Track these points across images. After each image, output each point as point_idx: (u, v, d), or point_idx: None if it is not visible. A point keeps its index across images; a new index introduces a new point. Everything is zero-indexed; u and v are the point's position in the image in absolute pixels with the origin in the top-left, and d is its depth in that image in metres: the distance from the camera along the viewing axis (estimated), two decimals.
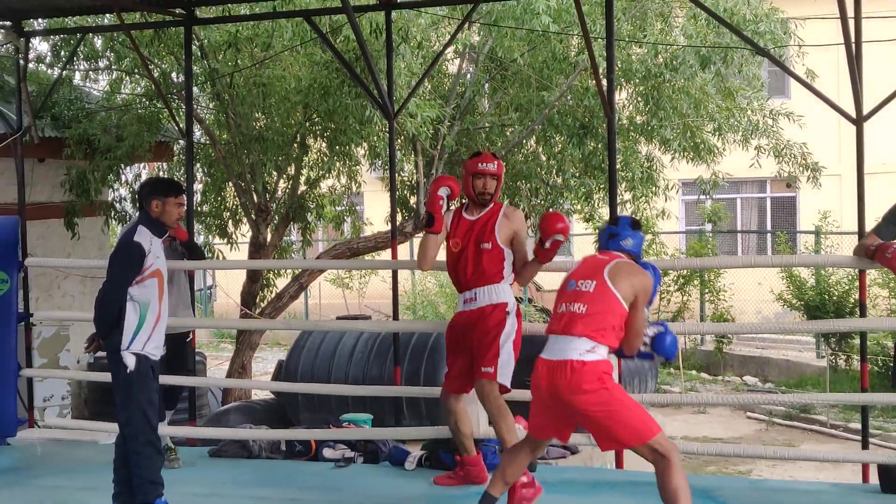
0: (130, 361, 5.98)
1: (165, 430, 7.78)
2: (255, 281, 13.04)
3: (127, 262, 6.06)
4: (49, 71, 13.05)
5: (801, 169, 12.89)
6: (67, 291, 13.00)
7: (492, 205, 6.60)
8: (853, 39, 7.78)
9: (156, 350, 6.12)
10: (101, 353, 6.53)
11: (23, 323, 8.82)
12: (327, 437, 7.96)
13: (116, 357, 6.02)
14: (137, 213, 6.46)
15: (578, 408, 5.29)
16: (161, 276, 6.17)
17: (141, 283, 6.05)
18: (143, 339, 6.04)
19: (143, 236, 6.10)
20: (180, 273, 7.95)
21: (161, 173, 13.84)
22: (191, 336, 8.18)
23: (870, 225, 6.99)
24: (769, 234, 22.47)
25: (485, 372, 6.40)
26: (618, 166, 11.22)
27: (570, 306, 5.47)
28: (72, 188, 12.19)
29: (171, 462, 7.65)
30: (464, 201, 6.74)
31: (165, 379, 7.21)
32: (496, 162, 6.63)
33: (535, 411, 5.59)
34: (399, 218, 12.12)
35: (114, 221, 13.25)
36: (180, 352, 7.92)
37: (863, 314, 8.27)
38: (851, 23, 7.75)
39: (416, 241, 7.01)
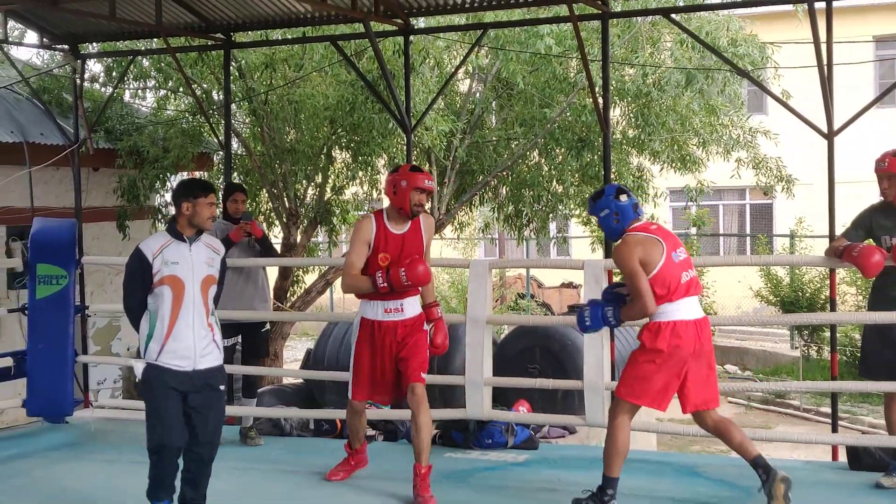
0: (138, 369, 5.39)
1: (243, 410, 7.87)
2: (286, 277, 13.08)
3: (129, 271, 5.45)
4: (102, 89, 13.10)
5: (776, 180, 12.89)
6: (118, 286, 12.97)
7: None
8: (825, 62, 7.80)
9: (178, 361, 5.32)
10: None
11: (79, 314, 8.86)
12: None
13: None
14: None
15: (711, 357, 5.63)
16: (177, 282, 5.33)
17: (152, 292, 5.36)
18: (156, 349, 5.32)
19: (152, 243, 5.41)
20: (257, 269, 7.96)
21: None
22: (266, 326, 8.17)
23: (839, 230, 7.01)
24: (748, 237, 22.44)
25: (422, 377, 6.08)
26: (612, 176, 11.22)
27: (689, 272, 5.59)
28: (123, 194, 12.24)
29: (251, 440, 7.72)
30: (382, 211, 6.07)
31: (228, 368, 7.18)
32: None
33: (665, 378, 5.49)
34: None
35: (161, 224, 13.28)
36: (253, 341, 7.94)
37: (833, 309, 8.30)
38: (824, 47, 7.77)
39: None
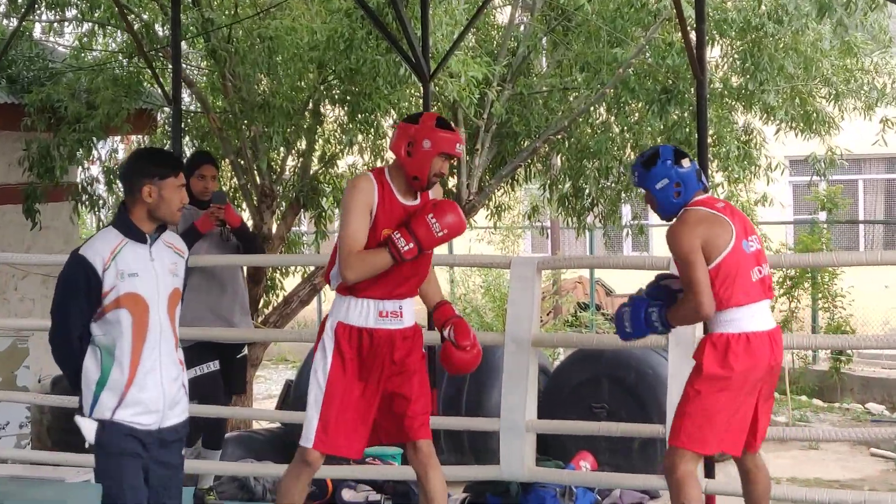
0: (89, 431, 5.10)
1: (202, 466, 7.87)
2: (257, 282, 13.08)
3: (66, 288, 5.12)
4: (4, 22, 13.15)
5: None
6: (26, 294, 13.10)
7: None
8: None
9: (143, 418, 5.12)
10: None
11: None
12: (347, 476, 7.98)
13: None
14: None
15: (776, 381, 5.95)
16: (139, 303, 5.10)
17: (102, 318, 5.08)
18: (112, 402, 5.06)
19: (100, 247, 5.11)
20: (234, 270, 7.96)
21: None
22: (244, 351, 8.20)
23: None
24: None
25: (429, 430, 5.92)
26: (709, 140, 11.18)
27: (762, 268, 5.73)
28: (32, 167, 12.25)
29: None
30: (383, 170, 5.84)
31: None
32: None
33: (736, 410, 5.69)
34: None
35: (84, 208, 13.33)
36: (228, 371, 7.96)
37: None
38: None
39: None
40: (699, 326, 6.41)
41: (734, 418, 5.63)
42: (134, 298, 5.07)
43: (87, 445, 5.12)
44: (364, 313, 5.72)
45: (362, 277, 5.60)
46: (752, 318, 5.60)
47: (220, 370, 7.85)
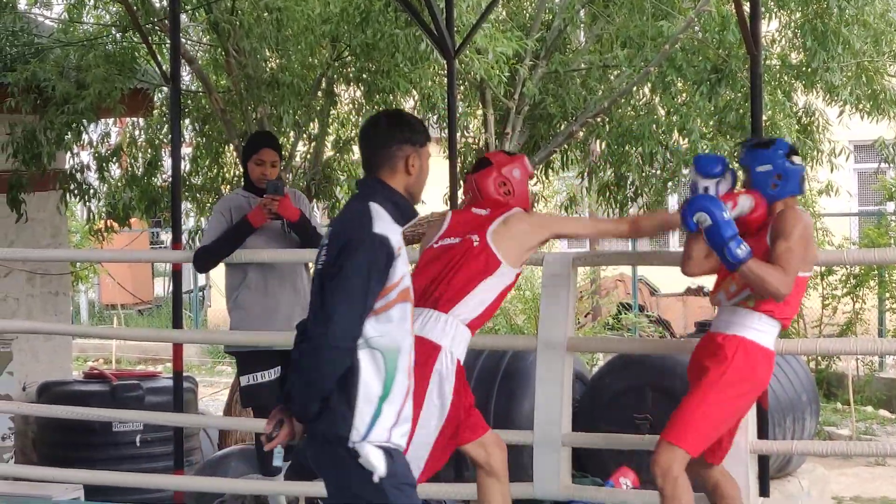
0: (379, 463, 4.64)
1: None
2: None
3: (369, 273, 4.68)
4: None
5: None
6: (10, 293, 13.13)
7: None
8: None
9: (405, 437, 4.85)
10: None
11: None
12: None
13: (341, 455, 4.70)
14: (366, 186, 4.96)
15: None
16: (410, 296, 4.91)
17: (384, 314, 4.75)
18: (391, 420, 4.73)
19: (388, 227, 4.79)
20: (298, 267, 7.94)
21: (137, 131, 13.94)
22: None
23: None
24: None
25: None
26: (765, 123, 11.16)
27: None
28: (17, 152, 12.29)
29: None
30: None
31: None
32: None
33: (738, 420, 6.23)
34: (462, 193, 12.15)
35: (73, 198, 13.36)
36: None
37: None
38: None
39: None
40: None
41: (734, 428, 6.08)
42: (410, 292, 4.90)
43: (374, 480, 4.64)
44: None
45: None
46: (777, 337, 6.02)
47: (280, 378, 7.69)
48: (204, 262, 7.89)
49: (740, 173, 6.33)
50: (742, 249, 5.82)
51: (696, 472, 6.16)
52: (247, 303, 7.68)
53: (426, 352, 5.68)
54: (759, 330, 5.92)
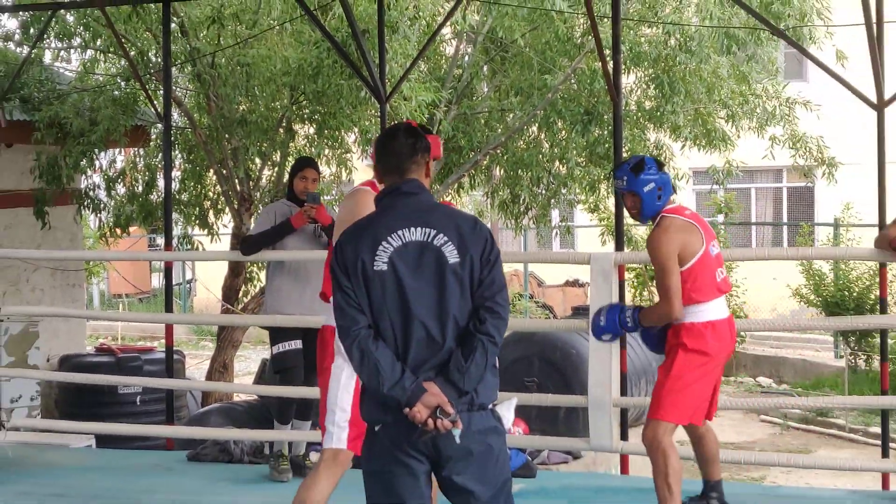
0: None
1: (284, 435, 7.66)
2: (237, 274, 13.04)
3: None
4: (18, 50, 13.03)
5: (817, 162, 12.91)
6: (36, 285, 13.00)
7: None
8: (874, 17, 7.79)
9: None
10: None
11: None
12: (317, 441, 7.92)
13: (493, 421, 4.24)
14: (418, 186, 4.39)
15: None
16: None
17: None
18: None
19: None
20: (316, 264, 7.84)
21: (137, 158, 13.83)
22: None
23: (892, 216, 7.01)
24: (785, 227, 22.50)
25: None
26: (625, 154, 11.23)
27: (722, 270, 5.78)
28: (42, 175, 12.17)
29: (282, 473, 7.44)
30: (374, 184, 5.50)
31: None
32: None
33: (706, 386, 5.77)
34: None
35: (87, 211, 13.24)
36: (309, 350, 7.83)
37: (884, 311, 8.31)
38: (872, 1, 7.76)
39: None
40: None
41: (705, 393, 5.72)
42: None
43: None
44: None
45: None
46: (715, 309, 5.68)
47: (302, 349, 7.63)
48: (249, 248, 7.80)
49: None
50: (632, 319, 5.74)
51: (691, 430, 5.97)
52: (283, 287, 7.64)
53: None
54: (688, 314, 5.65)
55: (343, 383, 5.23)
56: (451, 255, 4.14)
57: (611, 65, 8.23)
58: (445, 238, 4.15)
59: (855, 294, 16.77)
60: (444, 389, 4.04)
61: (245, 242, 7.90)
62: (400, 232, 4.16)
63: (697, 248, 5.62)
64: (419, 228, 4.16)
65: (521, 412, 9.13)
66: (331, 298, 4.81)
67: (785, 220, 22.98)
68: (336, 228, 5.49)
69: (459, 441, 4.04)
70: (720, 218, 19.94)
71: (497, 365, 4.27)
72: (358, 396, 4.90)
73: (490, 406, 4.20)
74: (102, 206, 13.11)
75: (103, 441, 9.49)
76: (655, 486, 5.64)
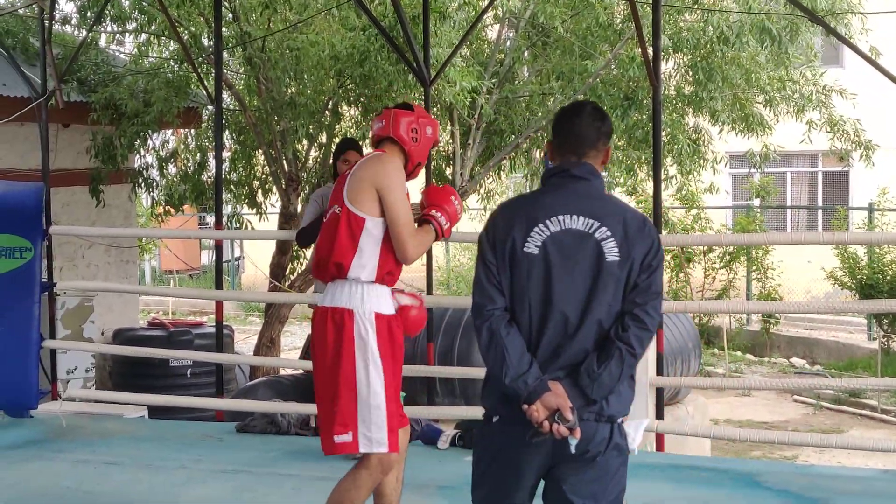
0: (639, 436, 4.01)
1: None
2: (284, 253, 13.10)
3: None
4: (75, 33, 13.12)
5: (853, 145, 12.79)
6: (91, 261, 13.10)
7: None
8: None
9: None
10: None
11: (46, 293, 8.88)
12: (422, 416, 7.91)
13: (616, 436, 3.82)
14: (592, 174, 3.87)
15: None
16: None
17: None
18: None
19: None
20: None
21: (189, 139, 13.91)
22: None
23: None
24: (820, 210, 22.34)
25: None
26: (664, 138, 11.18)
27: None
28: (97, 154, 12.26)
29: None
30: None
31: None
32: None
33: None
34: None
35: (140, 189, 13.33)
36: None
37: None
38: None
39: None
40: None
41: None
42: None
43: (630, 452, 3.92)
44: (388, 301, 4.92)
45: (418, 258, 4.95)
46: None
47: None
48: (304, 240, 7.79)
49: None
50: None
51: None
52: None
53: None
54: None
55: (372, 377, 4.72)
56: (611, 251, 3.70)
57: (650, 51, 8.20)
58: (608, 233, 3.71)
59: (889, 277, 16.64)
60: (569, 393, 3.65)
61: (300, 236, 7.88)
62: (560, 217, 3.73)
63: None
64: (581, 217, 3.72)
65: None
66: (345, 272, 4.73)
67: (820, 203, 22.82)
68: (392, 193, 4.81)
69: (574, 451, 3.64)
70: (756, 201, 19.83)
71: (634, 377, 3.86)
72: (388, 388, 4.73)
73: (620, 421, 3.79)
74: (155, 184, 13.20)
75: (155, 412, 9.57)
76: None
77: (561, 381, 3.67)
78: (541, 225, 3.72)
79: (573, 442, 3.61)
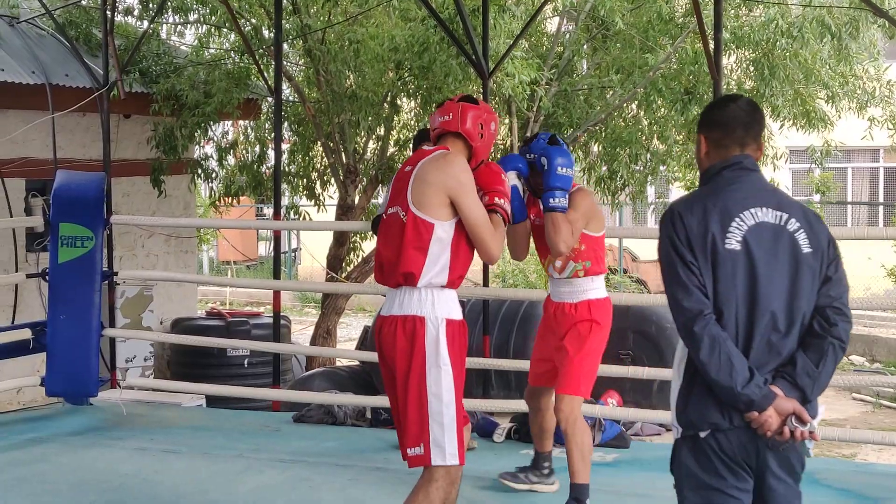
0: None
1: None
2: (341, 244, 13.14)
3: None
4: (137, 24, 13.21)
5: None
6: (151, 251, 13.20)
7: None
8: None
9: None
10: None
11: (107, 281, 8.96)
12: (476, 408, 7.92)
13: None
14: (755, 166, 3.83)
15: None
16: None
17: None
18: None
19: None
20: None
21: (248, 131, 13.98)
22: None
23: None
24: (881, 206, 22.08)
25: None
26: None
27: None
28: (158, 145, 12.35)
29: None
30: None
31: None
32: None
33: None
34: None
35: (200, 179, 13.42)
36: None
37: None
38: None
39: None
40: None
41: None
42: None
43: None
44: (457, 306, 4.72)
45: (501, 254, 4.81)
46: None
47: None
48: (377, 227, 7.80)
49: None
50: (560, 202, 5.54)
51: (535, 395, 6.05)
52: None
53: None
54: (596, 288, 5.85)
55: (445, 387, 4.54)
56: (805, 244, 3.58)
57: (712, 45, 8.13)
58: (798, 224, 3.59)
59: None
60: (789, 394, 3.47)
61: (375, 223, 7.87)
62: (753, 210, 3.56)
63: (601, 224, 5.99)
64: (771, 210, 3.58)
65: (616, 384, 9.10)
66: (416, 280, 4.54)
67: (881, 200, 22.55)
68: (466, 197, 4.62)
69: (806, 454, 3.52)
70: (816, 197, 19.63)
71: None
72: (458, 398, 4.58)
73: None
74: (214, 175, 13.28)
75: (213, 401, 9.63)
76: (572, 461, 5.63)
77: (774, 384, 3.48)
78: (737, 219, 3.55)
79: (811, 445, 3.51)
